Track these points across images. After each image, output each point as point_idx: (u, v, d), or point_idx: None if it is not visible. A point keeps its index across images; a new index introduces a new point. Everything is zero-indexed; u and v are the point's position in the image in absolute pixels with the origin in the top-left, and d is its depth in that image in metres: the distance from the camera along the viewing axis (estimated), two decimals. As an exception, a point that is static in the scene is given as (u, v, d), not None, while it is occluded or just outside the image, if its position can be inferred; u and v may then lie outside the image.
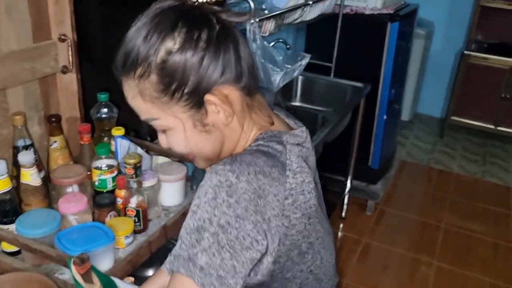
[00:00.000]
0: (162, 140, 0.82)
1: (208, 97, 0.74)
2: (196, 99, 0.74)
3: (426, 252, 2.66)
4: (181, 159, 1.52)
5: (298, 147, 0.80)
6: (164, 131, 0.80)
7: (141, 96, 0.74)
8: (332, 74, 2.68)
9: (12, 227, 1.15)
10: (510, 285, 2.45)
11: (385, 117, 2.79)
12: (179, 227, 1.40)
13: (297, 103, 2.67)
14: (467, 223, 2.93)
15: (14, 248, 1.17)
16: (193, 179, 1.55)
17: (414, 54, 3.43)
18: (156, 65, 0.71)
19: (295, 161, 0.77)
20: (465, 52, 3.71)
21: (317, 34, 2.83)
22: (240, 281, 0.68)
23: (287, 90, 2.65)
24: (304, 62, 1.78)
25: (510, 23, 3.82)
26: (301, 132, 0.84)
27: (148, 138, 1.64)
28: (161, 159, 1.53)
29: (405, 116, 3.99)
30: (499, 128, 3.80)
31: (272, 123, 0.84)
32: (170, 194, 1.40)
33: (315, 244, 0.80)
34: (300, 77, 2.67)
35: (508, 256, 2.67)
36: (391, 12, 2.59)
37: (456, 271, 2.53)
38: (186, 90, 0.73)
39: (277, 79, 1.67)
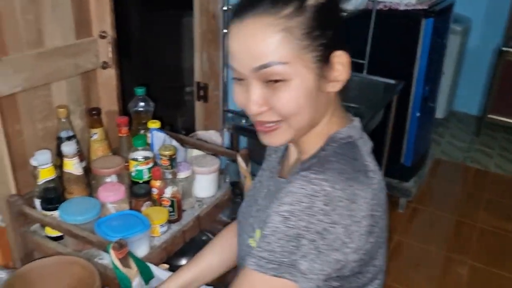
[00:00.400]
0: (257, 98, 0.75)
1: (340, 53, 0.76)
2: (328, 53, 0.75)
3: (460, 251, 2.62)
4: (215, 152, 1.56)
5: (363, 140, 0.83)
6: (274, 82, 0.73)
7: (283, 34, 0.71)
8: (365, 71, 2.67)
9: (55, 213, 1.22)
10: (548, 287, 2.39)
11: (418, 114, 2.76)
12: (212, 218, 1.45)
13: (329, 100, 2.67)
14: (503, 223, 2.87)
15: (57, 233, 1.23)
16: (226, 172, 1.59)
17: (449, 50, 3.37)
18: (311, 5, 0.73)
19: (370, 161, 0.80)
20: (503, 48, 3.62)
21: (350, 31, 2.82)
22: (323, 278, 0.73)
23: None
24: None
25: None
26: (357, 122, 0.86)
27: (183, 132, 1.70)
28: (195, 152, 1.58)
29: (440, 113, 3.92)
30: (538, 126, 3.70)
31: (345, 119, 0.85)
32: (204, 185, 1.44)
33: (383, 238, 0.82)
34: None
35: (546, 257, 2.60)
36: (426, 7, 2.55)
37: (491, 271, 2.48)
38: (325, 40, 0.74)
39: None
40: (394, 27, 2.62)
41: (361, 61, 2.67)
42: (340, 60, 0.77)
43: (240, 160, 1.48)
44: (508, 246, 2.68)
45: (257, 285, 0.74)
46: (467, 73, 4.11)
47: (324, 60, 0.75)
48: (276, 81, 0.73)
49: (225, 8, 1.83)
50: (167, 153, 1.27)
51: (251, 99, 0.75)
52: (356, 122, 0.86)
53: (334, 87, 0.79)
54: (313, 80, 0.75)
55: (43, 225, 1.26)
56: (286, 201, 0.72)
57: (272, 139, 0.80)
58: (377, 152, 0.86)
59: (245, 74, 0.75)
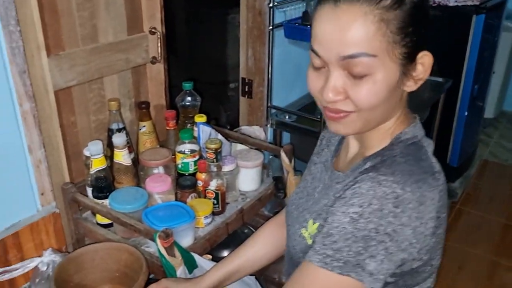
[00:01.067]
0: (337, 86, 0.74)
1: (425, 53, 0.76)
2: (416, 51, 0.75)
3: (507, 255, 2.54)
4: (259, 147, 1.58)
5: (426, 140, 0.83)
6: (360, 77, 0.72)
7: (378, 26, 0.70)
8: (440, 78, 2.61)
9: (106, 201, 1.27)
10: None
11: (466, 113, 2.68)
12: (255, 211, 1.47)
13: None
14: (554, 228, 2.76)
15: (107, 221, 1.29)
16: (269, 167, 1.60)
17: (501, 48, 3.25)
18: (411, 0, 0.72)
19: (435, 161, 0.80)
20: None
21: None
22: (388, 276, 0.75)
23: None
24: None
25: None
26: (418, 119, 0.86)
27: (228, 127, 1.72)
28: (240, 147, 1.60)
29: (489, 113, 3.79)
30: None
31: (409, 118, 0.84)
32: (248, 179, 1.47)
33: (443, 240, 0.82)
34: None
35: None
36: (477, 3, 2.48)
37: (540, 278, 2.39)
38: (415, 37, 0.73)
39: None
40: (443, 23, 2.56)
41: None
42: (423, 61, 0.76)
43: (283, 155, 1.49)
44: (559, 253, 2.57)
45: (321, 280, 0.74)
46: (520, 72, 3.95)
47: (410, 58, 0.74)
48: (360, 75, 0.72)
49: (271, 4, 1.85)
50: (213, 146, 1.30)
51: (330, 85, 0.74)
52: (417, 120, 0.86)
53: (411, 86, 0.78)
54: (396, 77, 0.74)
55: (94, 213, 1.32)
56: (355, 202, 0.72)
57: (340, 128, 0.79)
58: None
59: (330, 61, 0.73)
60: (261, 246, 1.13)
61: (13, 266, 1.16)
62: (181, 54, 2.32)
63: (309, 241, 0.85)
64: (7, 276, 1.15)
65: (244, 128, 1.96)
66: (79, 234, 1.33)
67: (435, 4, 2.54)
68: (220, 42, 2.34)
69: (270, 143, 2.03)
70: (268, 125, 2.07)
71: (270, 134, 2.11)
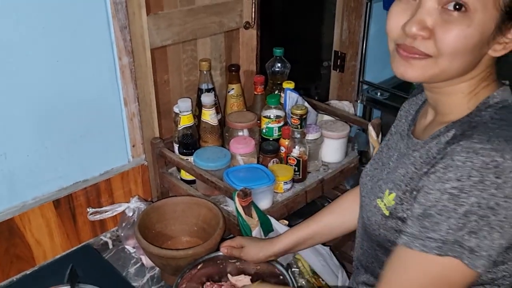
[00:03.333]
0: (425, 18, 0.68)
1: None
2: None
3: None
4: (346, 120, 1.55)
5: None
6: (454, 9, 0.67)
7: None
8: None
9: (190, 158, 1.31)
10: None
11: None
12: (336, 182, 1.44)
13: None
14: None
15: (190, 177, 1.33)
16: (355, 140, 1.56)
17: None
18: None
19: None
20: None
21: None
22: (496, 254, 0.69)
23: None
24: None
25: None
26: (506, 83, 0.78)
27: (316, 98, 1.70)
28: (326, 118, 1.57)
29: None
30: None
31: (496, 83, 0.77)
32: (331, 150, 1.44)
33: None
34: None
35: None
36: None
37: None
38: None
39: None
40: None
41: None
42: None
43: (371, 129, 1.44)
44: None
45: (423, 266, 0.70)
46: None
47: (507, 18, 0.67)
48: (458, 8, 0.65)
49: (371, -26, 1.77)
50: (298, 112, 1.29)
51: (417, 17, 0.68)
52: (507, 86, 0.78)
53: (498, 51, 0.71)
54: (491, 28, 0.67)
55: (179, 169, 1.37)
56: (451, 176, 0.66)
57: (409, 71, 0.72)
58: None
59: None
60: (339, 215, 1.11)
61: (103, 208, 1.25)
62: (277, 22, 2.31)
63: (386, 212, 0.81)
64: (98, 217, 1.24)
65: (333, 102, 1.92)
66: (164, 188, 1.39)
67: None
68: (316, 14, 2.29)
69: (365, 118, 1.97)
70: (359, 101, 2.01)
71: (359, 110, 2.05)
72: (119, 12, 1.20)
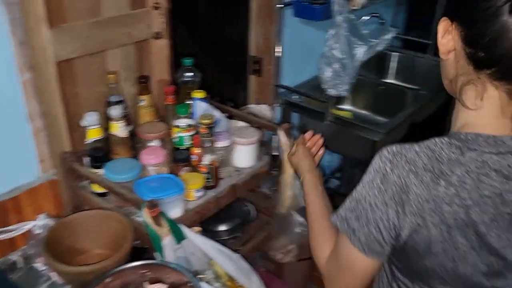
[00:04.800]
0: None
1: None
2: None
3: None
4: (258, 125, 1.60)
5: (492, 155, 0.72)
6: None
7: None
8: (430, 52, 2.56)
9: (101, 171, 1.32)
10: None
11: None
12: (248, 187, 1.49)
13: (390, 80, 2.61)
14: None
15: (103, 190, 1.33)
16: (269, 145, 1.62)
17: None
18: None
19: (460, 175, 0.71)
20: None
21: (418, 10, 2.71)
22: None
23: (380, 66, 2.59)
24: (389, 36, 1.74)
25: None
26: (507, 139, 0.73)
27: (231, 104, 1.74)
28: (241, 124, 1.62)
29: None
30: None
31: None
32: (243, 156, 1.48)
33: (449, 252, 0.76)
34: (394, 54, 2.59)
35: None
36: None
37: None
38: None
39: (360, 52, 1.66)
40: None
41: (427, 42, 2.56)
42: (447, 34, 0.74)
43: (281, 134, 1.50)
44: None
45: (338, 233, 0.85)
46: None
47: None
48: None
49: (280, -18, 1.83)
50: (205, 121, 1.32)
51: None
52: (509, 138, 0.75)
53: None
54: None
55: (91, 182, 1.37)
56: (367, 170, 0.81)
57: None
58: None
59: None
60: None
61: (10, 227, 1.23)
62: (193, 30, 2.33)
63: None
64: (3, 236, 1.21)
65: (252, 107, 1.98)
66: (77, 202, 1.38)
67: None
68: (232, 20, 2.33)
69: (276, 123, 2.04)
70: (276, 104, 2.07)
71: (278, 113, 2.12)
72: (16, 28, 1.18)
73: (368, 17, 2.28)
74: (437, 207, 0.72)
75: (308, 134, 1.26)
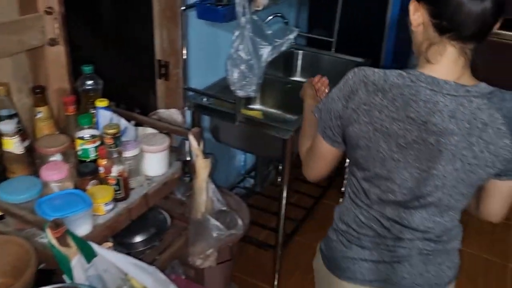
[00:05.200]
0: None
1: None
2: None
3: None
4: (168, 131, 1.56)
5: (426, 90, 0.94)
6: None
7: None
8: (333, 49, 2.66)
9: (-5, 193, 1.21)
10: None
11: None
12: (160, 195, 1.45)
13: (297, 78, 2.67)
14: None
15: (-1, 213, 1.23)
16: (180, 150, 1.58)
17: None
18: None
19: (395, 94, 0.94)
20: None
21: (320, 9, 2.81)
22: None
23: (287, 65, 2.65)
24: (292, 36, 1.78)
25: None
26: (448, 84, 0.94)
27: (137, 110, 1.68)
28: (150, 131, 1.57)
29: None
30: None
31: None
32: (153, 164, 1.44)
33: (373, 152, 0.99)
34: (300, 52, 2.66)
35: None
36: (394, -15, 2.54)
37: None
38: None
39: (265, 53, 1.68)
40: (362, 3, 2.61)
41: (330, 39, 2.66)
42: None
43: (191, 138, 1.47)
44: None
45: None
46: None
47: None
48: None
49: (182, -16, 1.80)
50: (110, 131, 1.26)
51: None
52: (443, 82, 0.97)
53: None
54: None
55: (-14, 204, 1.25)
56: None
57: None
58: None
59: None
60: None
61: None
62: (86, 35, 2.23)
63: None
64: None
65: (161, 111, 1.92)
66: (-29, 228, 1.26)
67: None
68: (142, 25, 2.26)
69: (186, 128, 2.01)
70: (186, 108, 2.04)
71: (188, 117, 2.08)
72: None
73: (272, 17, 2.31)
74: (370, 110, 0.96)
75: (317, 77, 1.48)
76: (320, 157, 1.11)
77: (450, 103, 0.93)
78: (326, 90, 1.46)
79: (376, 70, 0.98)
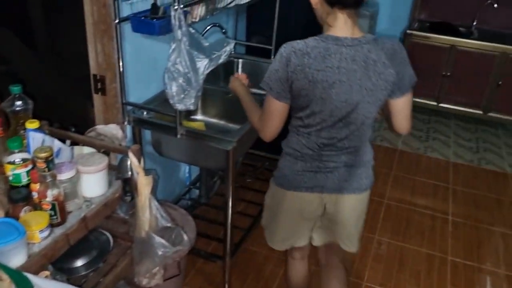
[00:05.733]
0: None
1: None
2: None
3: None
4: (106, 149, 1.52)
5: (333, 45, 1.34)
6: None
7: None
8: (272, 57, 2.68)
9: None
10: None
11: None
12: (101, 217, 1.41)
13: (238, 87, 2.67)
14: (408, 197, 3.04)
15: None
16: (120, 168, 1.54)
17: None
18: None
19: (316, 53, 1.33)
20: (408, 31, 3.78)
21: (258, 17, 2.83)
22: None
23: (228, 73, 2.65)
24: (229, 47, 1.78)
25: (453, 2, 3.92)
26: (346, 38, 1.35)
27: (73, 129, 1.62)
28: (87, 150, 1.52)
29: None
30: (441, 104, 3.93)
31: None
32: (92, 185, 1.40)
33: (310, 96, 1.37)
34: (240, 61, 2.67)
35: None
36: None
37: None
38: None
39: (202, 66, 1.67)
40: (299, 10, 2.65)
41: (268, 47, 2.68)
42: None
43: (131, 155, 1.44)
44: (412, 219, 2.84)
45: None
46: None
47: None
48: None
49: (114, -3, 1.76)
50: (42, 155, 1.21)
51: None
52: (343, 38, 1.38)
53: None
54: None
55: None
56: None
57: None
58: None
59: None
60: None
61: None
62: (32, 54, 2.14)
63: None
64: None
65: (100, 128, 1.87)
66: None
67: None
68: (76, 40, 2.19)
69: (126, 146, 1.96)
70: (126, 123, 1.99)
71: (129, 132, 2.04)
72: None
73: (210, 27, 2.31)
74: (303, 69, 1.33)
75: (236, 74, 1.92)
76: (276, 114, 1.44)
77: (350, 51, 1.34)
78: (246, 82, 1.87)
79: (298, 41, 1.36)
